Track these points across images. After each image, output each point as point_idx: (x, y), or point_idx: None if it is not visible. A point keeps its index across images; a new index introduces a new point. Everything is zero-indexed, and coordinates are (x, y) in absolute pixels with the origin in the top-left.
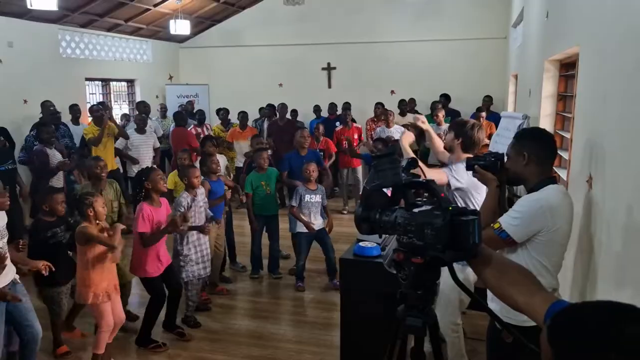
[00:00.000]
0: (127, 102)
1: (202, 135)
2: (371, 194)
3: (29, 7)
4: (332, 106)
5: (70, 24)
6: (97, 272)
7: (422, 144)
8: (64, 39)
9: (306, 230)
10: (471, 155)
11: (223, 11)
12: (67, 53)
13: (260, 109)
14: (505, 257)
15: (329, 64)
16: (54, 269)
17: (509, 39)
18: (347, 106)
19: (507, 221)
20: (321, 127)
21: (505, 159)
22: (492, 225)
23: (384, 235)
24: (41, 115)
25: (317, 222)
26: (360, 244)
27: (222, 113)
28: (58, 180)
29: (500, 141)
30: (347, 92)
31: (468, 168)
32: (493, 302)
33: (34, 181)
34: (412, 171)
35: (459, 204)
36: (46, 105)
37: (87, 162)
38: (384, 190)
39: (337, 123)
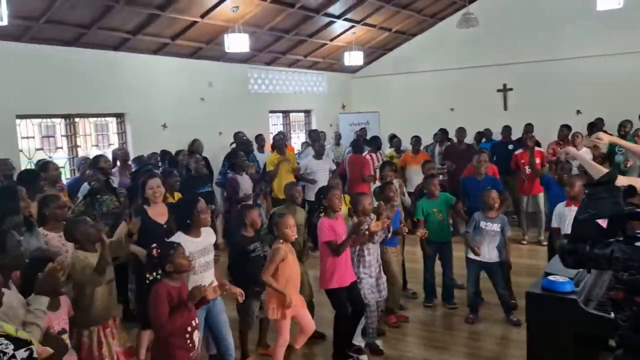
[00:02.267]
0: (305, 132)
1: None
2: (582, 224)
3: (226, 50)
4: (507, 129)
5: (257, 62)
6: (286, 288)
7: None
8: (252, 76)
9: (476, 257)
10: None
11: (394, 40)
12: (255, 89)
13: (435, 135)
14: None
15: (504, 85)
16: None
17: None
18: (529, 129)
19: None
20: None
21: None
22: None
23: (579, 270)
24: (234, 144)
25: (492, 255)
26: (550, 277)
27: (396, 140)
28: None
29: None
30: (526, 113)
31: None
32: None
33: (227, 204)
34: (630, 200)
35: None
36: (239, 136)
37: (287, 186)
38: (597, 221)
39: (510, 146)
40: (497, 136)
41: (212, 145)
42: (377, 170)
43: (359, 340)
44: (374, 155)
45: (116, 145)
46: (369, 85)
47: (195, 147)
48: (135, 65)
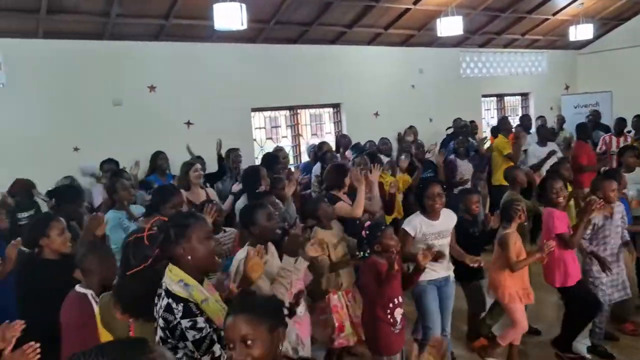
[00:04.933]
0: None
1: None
2: None
3: (438, 35)
4: None
5: (470, 45)
6: (509, 274)
7: None
8: (464, 60)
9: None
10: None
11: (632, 7)
12: (467, 73)
13: None
14: None
15: None
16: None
17: None
18: None
19: None
20: None
21: None
22: None
23: None
24: (451, 130)
25: None
26: None
27: (636, 120)
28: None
29: None
30: None
31: None
32: None
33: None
34: None
35: None
36: (457, 121)
37: (509, 170)
38: None
39: None
40: None
41: (424, 132)
42: (613, 157)
43: (584, 342)
44: (614, 139)
45: (332, 134)
46: (599, 62)
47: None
48: (350, 57)
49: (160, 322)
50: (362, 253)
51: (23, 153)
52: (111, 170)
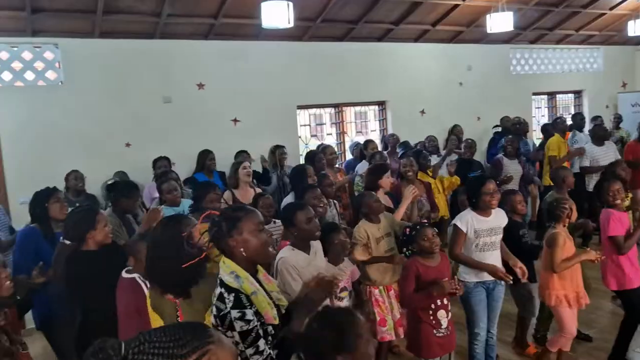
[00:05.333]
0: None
1: None
2: None
3: (488, 31)
4: None
5: (520, 42)
6: (559, 276)
7: None
8: (514, 57)
9: None
10: None
11: None
12: (517, 70)
13: None
14: None
15: None
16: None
17: None
18: None
19: None
20: None
21: None
22: None
23: None
24: (499, 128)
25: None
26: None
27: None
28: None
29: None
30: None
31: None
32: None
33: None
34: None
35: None
36: (504, 119)
37: (556, 171)
38: None
39: None
40: None
41: (471, 130)
42: None
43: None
44: None
45: (377, 132)
46: None
47: (456, 133)
48: (397, 54)
49: (214, 309)
50: (405, 252)
51: (78, 148)
52: (163, 167)
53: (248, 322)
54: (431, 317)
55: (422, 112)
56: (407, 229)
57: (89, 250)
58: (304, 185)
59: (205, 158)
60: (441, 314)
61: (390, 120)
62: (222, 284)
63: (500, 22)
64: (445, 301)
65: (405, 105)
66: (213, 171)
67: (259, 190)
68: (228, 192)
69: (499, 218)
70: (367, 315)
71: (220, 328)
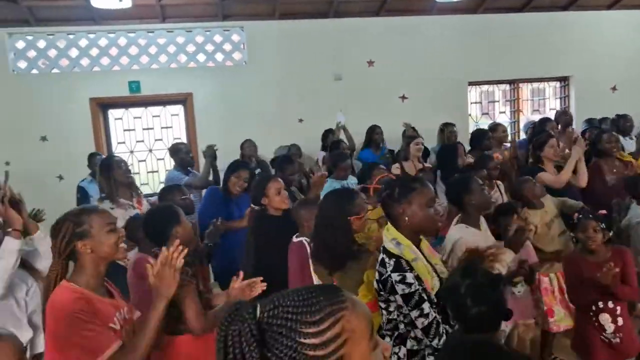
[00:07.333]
0: None
1: None
2: None
3: None
4: None
5: None
6: None
7: None
8: None
9: None
10: None
11: None
12: None
13: None
14: None
15: None
16: None
17: None
18: None
19: None
20: None
21: None
22: None
23: None
24: None
25: None
26: None
27: None
28: None
29: None
30: None
31: None
32: None
33: None
34: None
35: None
36: None
37: None
38: None
39: None
40: None
41: None
42: None
43: None
44: None
45: (556, 110)
46: None
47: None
48: (584, 24)
49: (376, 275)
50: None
51: (256, 123)
52: (333, 142)
53: (409, 285)
54: (593, 319)
55: (614, 88)
56: (576, 214)
57: (270, 215)
58: (453, 166)
59: (372, 132)
60: (604, 317)
61: (574, 98)
62: (384, 251)
63: None
64: (611, 304)
65: (593, 80)
66: (380, 147)
67: (427, 165)
68: (397, 164)
69: None
70: (537, 302)
71: (382, 292)
